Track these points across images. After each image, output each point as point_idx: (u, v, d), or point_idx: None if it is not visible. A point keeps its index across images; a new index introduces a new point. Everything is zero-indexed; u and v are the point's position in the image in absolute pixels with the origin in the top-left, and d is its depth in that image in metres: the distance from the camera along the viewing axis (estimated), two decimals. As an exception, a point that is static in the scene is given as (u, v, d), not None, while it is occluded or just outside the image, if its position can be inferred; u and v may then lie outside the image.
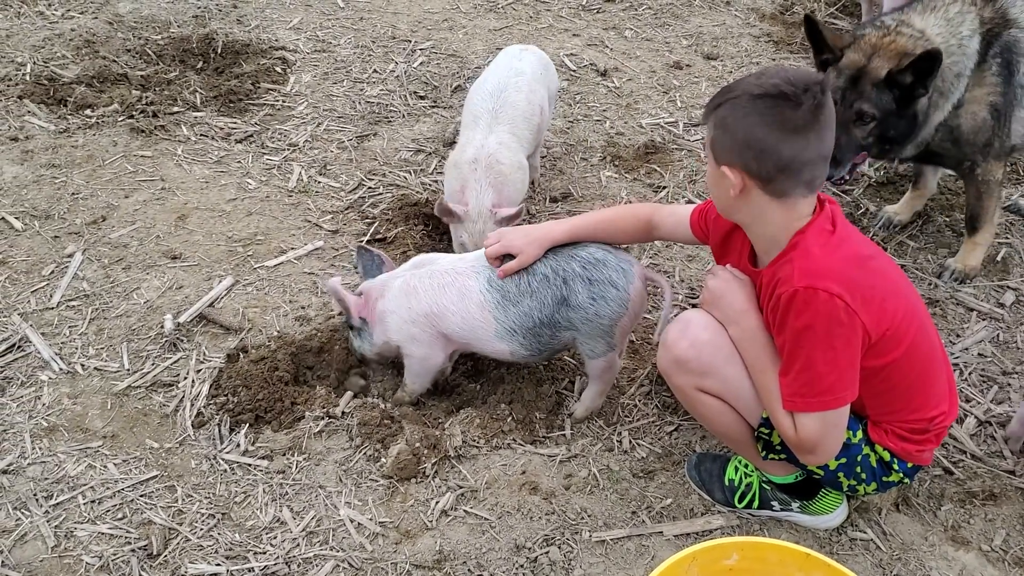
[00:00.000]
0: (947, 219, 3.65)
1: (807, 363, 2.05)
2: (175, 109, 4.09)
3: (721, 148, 2.07)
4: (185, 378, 2.85)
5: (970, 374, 2.96)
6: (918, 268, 3.41)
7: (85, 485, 2.54)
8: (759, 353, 2.19)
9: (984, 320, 3.18)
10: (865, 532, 2.46)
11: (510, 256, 2.57)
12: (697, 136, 4.16)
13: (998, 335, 3.11)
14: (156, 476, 2.57)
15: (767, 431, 2.27)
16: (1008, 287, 3.30)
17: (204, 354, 2.94)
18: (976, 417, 2.80)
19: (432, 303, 2.64)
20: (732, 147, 2.05)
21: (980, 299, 3.26)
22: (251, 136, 4.01)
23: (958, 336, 3.11)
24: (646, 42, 4.91)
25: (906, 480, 2.31)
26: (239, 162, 3.84)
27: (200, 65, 4.46)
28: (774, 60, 4.80)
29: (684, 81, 4.57)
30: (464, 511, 2.50)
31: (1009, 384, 2.92)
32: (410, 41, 4.79)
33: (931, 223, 3.63)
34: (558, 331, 2.60)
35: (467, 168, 3.15)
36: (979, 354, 3.04)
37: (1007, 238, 3.55)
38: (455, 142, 3.99)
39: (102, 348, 2.96)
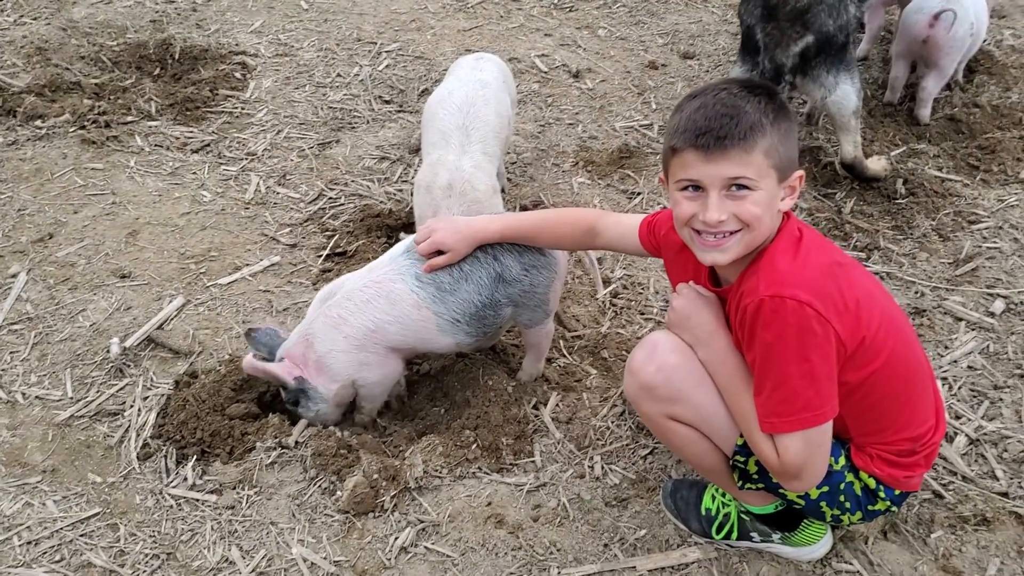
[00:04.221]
0: (932, 222, 3.52)
1: (781, 378, 1.90)
2: (128, 118, 3.92)
3: (787, 159, 1.94)
4: (131, 407, 2.69)
5: (959, 388, 2.82)
6: (903, 276, 3.28)
7: (21, 525, 2.38)
8: (732, 375, 2.04)
9: (973, 330, 3.04)
10: (851, 563, 2.31)
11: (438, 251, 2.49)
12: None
13: (988, 346, 2.97)
14: (97, 514, 2.42)
15: (743, 459, 2.13)
16: (998, 295, 3.17)
17: (151, 380, 2.77)
18: (966, 435, 2.66)
19: (366, 321, 2.48)
20: (794, 153, 1.97)
21: (969, 308, 3.12)
22: (208, 145, 3.84)
23: (946, 348, 2.97)
24: (620, 41, 4.76)
25: (893, 508, 2.17)
26: (194, 173, 3.68)
27: (157, 72, 4.29)
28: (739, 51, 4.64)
29: (660, 82, 4.42)
30: (425, 547, 2.34)
31: (1001, 399, 2.78)
32: (376, 43, 4.63)
33: (915, 228, 3.49)
34: (499, 309, 2.56)
35: (440, 194, 2.97)
36: (969, 367, 2.90)
37: (996, 242, 3.41)
38: (420, 148, 3.85)
39: (44, 375, 2.80)
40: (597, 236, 2.47)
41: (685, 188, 1.97)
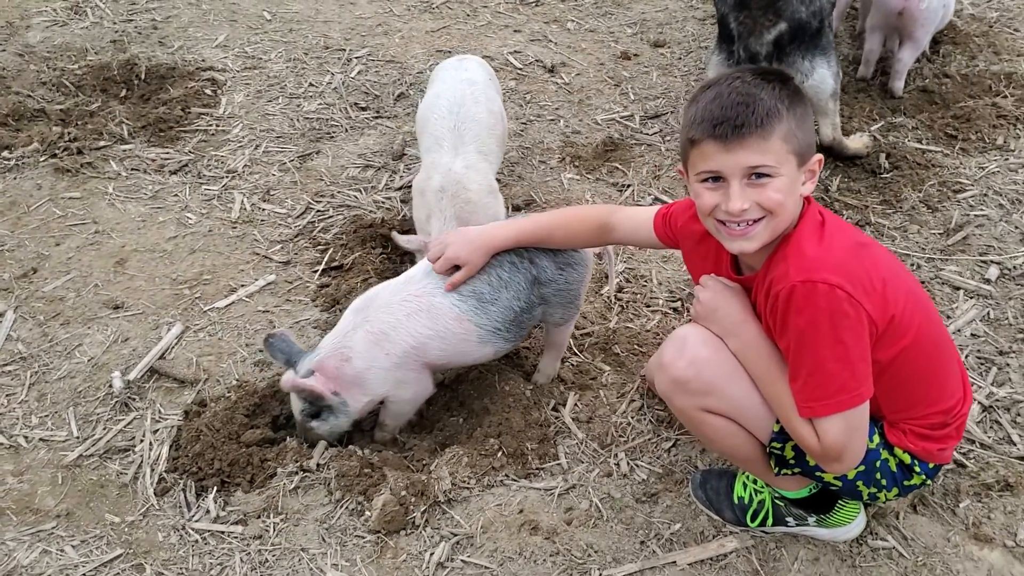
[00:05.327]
0: (919, 194, 3.55)
1: (816, 363, 1.90)
2: (101, 143, 3.82)
3: (805, 144, 1.94)
4: (141, 441, 2.62)
5: (967, 357, 2.85)
6: (897, 250, 3.31)
7: (41, 574, 2.30)
8: (765, 363, 2.04)
9: (972, 298, 3.08)
10: (886, 540, 2.33)
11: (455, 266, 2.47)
12: (655, 129, 4.00)
13: (988, 312, 3.01)
14: (120, 555, 2.34)
15: (779, 445, 2.13)
16: (991, 261, 3.21)
17: (159, 412, 2.70)
18: (979, 403, 2.69)
19: (408, 337, 2.44)
20: (812, 138, 1.98)
21: (965, 276, 3.16)
22: (186, 166, 3.75)
23: (948, 317, 3.00)
24: (590, 33, 4.75)
25: (928, 482, 2.18)
26: (176, 195, 3.59)
27: (124, 93, 4.17)
28: (716, 38, 4.66)
29: (634, 72, 4.41)
30: (462, 561, 2.31)
31: (1008, 364, 2.81)
32: (344, 50, 4.56)
33: (904, 201, 3.53)
34: (534, 311, 2.57)
35: (433, 197, 2.94)
36: (972, 335, 2.93)
37: (983, 210, 3.46)
38: (404, 154, 3.81)
39: (46, 416, 2.71)
40: (611, 231, 2.46)
41: (706, 179, 1.96)
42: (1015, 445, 2.58)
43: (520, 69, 4.39)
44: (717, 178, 1.94)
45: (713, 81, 1.98)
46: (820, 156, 2.00)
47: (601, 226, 2.46)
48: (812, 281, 1.87)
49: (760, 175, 1.89)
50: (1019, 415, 2.67)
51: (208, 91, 4.19)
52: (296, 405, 2.52)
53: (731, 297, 2.09)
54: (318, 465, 2.51)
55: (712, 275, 2.16)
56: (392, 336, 2.43)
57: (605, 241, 2.53)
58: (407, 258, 3.19)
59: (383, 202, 3.57)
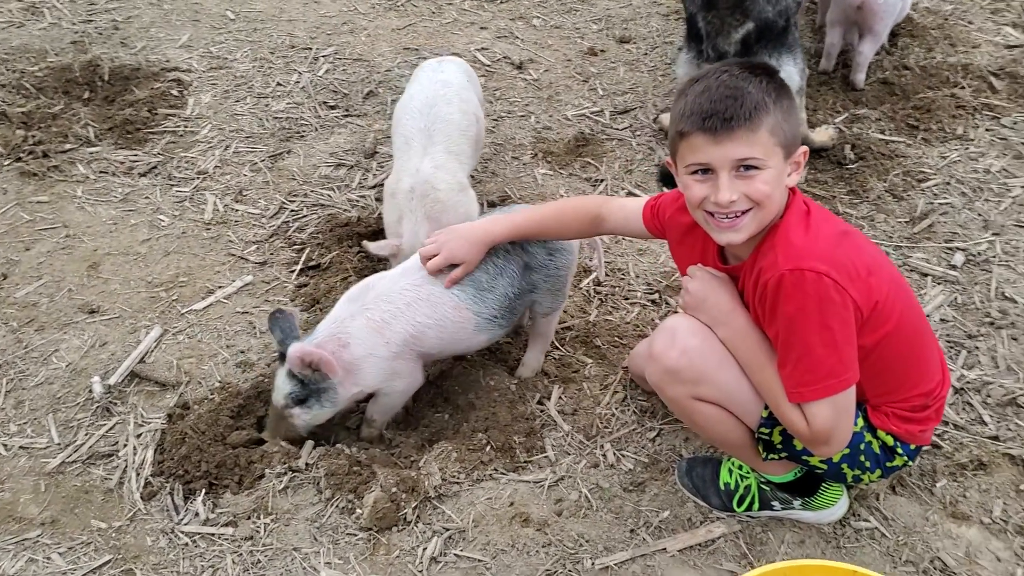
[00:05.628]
0: (884, 184, 3.64)
1: (805, 349, 1.95)
2: (67, 146, 3.76)
3: (791, 136, 1.98)
4: (125, 445, 2.59)
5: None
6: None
7: (28, 583, 2.27)
8: (754, 351, 2.08)
9: (939, 284, 3.16)
10: (868, 520, 2.39)
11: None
12: (625, 124, 4.04)
13: (956, 298, 3.10)
14: (109, 561, 2.32)
15: (767, 431, 2.17)
16: (957, 248, 3.30)
17: (142, 416, 2.67)
18: (952, 385, 2.76)
19: (408, 326, 2.45)
20: (797, 130, 2.02)
21: (932, 263, 3.25)
22: (155, 168, 3.71)
23: (918, 303, 3.08)
24: (556, 30, 4.77)
25: (910, 463, 2.24)
26: (147, 198, 3.55)
27: (87, 95, 4.10)
28: (684, 36, 4.72)
29: (602, 68, 4.45)
30: (455, 555, 2.32)
31: (977, 348, 2.90)
32: (311, 49, 4.53)
33: (870, 191, 3.61)
34: (525, 298, 2.61)
35: (403, 198, 2.95)
36: (941, 320, 3.01)
37: (946, 198, 3.55)
38: (376, 152, 3.80)
39: (25, 423, 2.67)
40: (603, 223, 2.50)
41: (695, 172, 1.99)
42: (987, 425, 2.66)
43: (488, 66, 4.40)
44: (706, 170, 1.97)
45: (702, 75, 2.01)
46: (805, 148, 2.05)
47: (593, 218, 2.50)
48: (800, 269, 1.91)
49: (748, 167, 1.93)
50: (989, 396, 2.75)
51: (174, 92, 4.14)
52: (284, 388, 2.45)
53: (719, 287, 2.13)
54: (306, 465, 2.51)
55: (700, 265, 2.20)
56: (393, 325, 2.44)
57: (597, 232, 2.57)
58: (385, 259, 3.18)
59: (357, 200, 3.56)
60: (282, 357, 2.44)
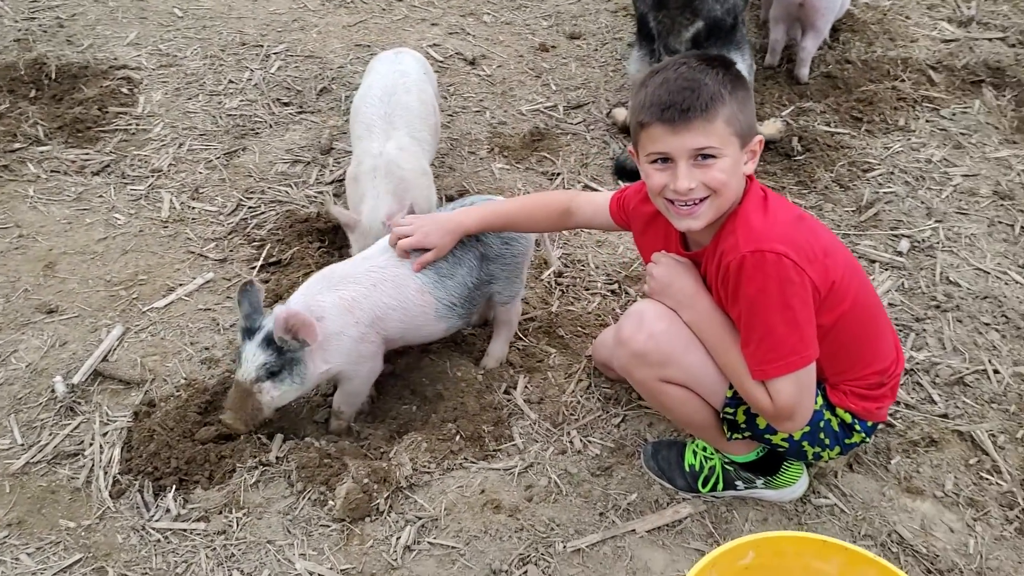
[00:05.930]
0: (831, 174, 3.75)
1: (767, 328, 2.03)
2: (16, 145, 3.69)
3: (746, 126, 2.05)
4: (91, 444, 2.57)
5: (887, 324, 3.04)
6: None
7: (-5, 585, 2.24)
8: (719, 332, 2.15)
9: (887, 270, 3.28)
10: (827, 497, 2.48)
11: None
12: (579, 119, 4.10)
13: (903, 283, 3.22)
14: (80, 560, 2.30)
15: (731, 410, 2.25)
16: (902, 235, 3.42)
17: (107, 415, 2.65)
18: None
19: (374, 308, 2.49)
20: (753, 120, 2.08)
21: (879, 250, 3.36)
22: (108, 166, 3.66)
23: (867, 288, 3.19)
24: (507, 26, 4.81)
25: (867, 440, 2.34)
26: (101, 196, 3.50)
27: (34, 94, 4.03)
28: (635, 34, 4.80)
29: (554, 63, 4.50)
30: (428, 543, 2.35)
31: (924, 330, 3.01)
32: (262, 46, 4.50)
33: (818, 181, 3.72)
34: (482, 288, 2.67)
35: (366, 179, 2.95)
36: (890, 304, 3.13)
37: (890, 187, 3.68)
38: (332, 148, 3.80)
39: (-15, 425, 2.63)
40: (571, 216, 2.55)
41: (655, 160, 2.05)
42: (936, 404, 2.77)
43: (441, 62, 4.43)
44: (666, 159, 2.04)
45: (661, 67, 2.08)
46: (761, 137, 2.12)
47: (563, 212, 2.56)
48: (761, 251, 1.99)
49: (705, 156, 2.00)
50: (938, 376, 2.86)
51: (124, 90, 4.09)
52: (257, 359, 2.37)
53: (683, 272, 2.20)
54: (277, 458, 2.52)
55: (664, 252, 2.26)
56: (362, 304, 2.48)
57: (565, 226, 2.64)
58: (345, 252, 3.19)
59: (315, 197, 3.56)
60: (248, 332, 2.41)
